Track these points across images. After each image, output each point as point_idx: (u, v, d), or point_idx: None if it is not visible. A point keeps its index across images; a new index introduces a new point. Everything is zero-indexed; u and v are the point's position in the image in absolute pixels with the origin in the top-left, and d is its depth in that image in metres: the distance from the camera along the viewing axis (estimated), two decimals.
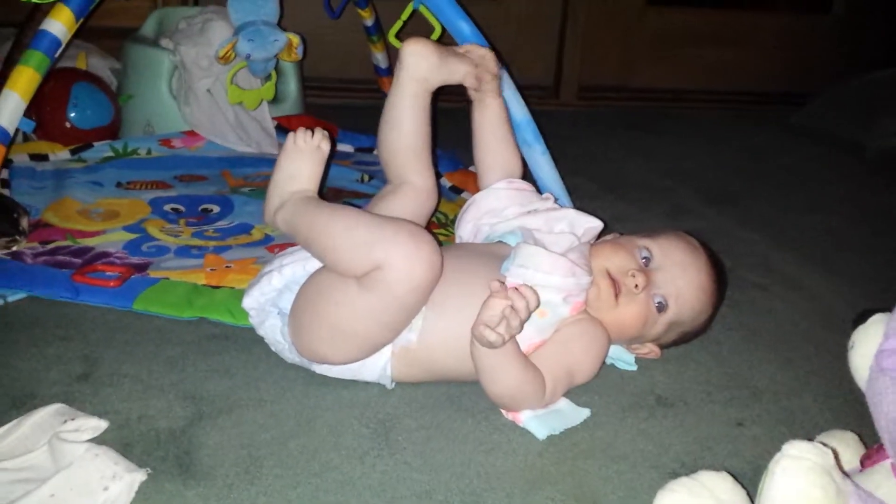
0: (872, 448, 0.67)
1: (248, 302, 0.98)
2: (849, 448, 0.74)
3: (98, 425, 0.85)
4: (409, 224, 0.93)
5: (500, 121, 1.14)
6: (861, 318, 0.65)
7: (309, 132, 1.00)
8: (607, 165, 1.97)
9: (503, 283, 0.87)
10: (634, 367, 1.05)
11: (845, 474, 0.61)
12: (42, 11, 1.47)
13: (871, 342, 0.61)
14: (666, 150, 2.15)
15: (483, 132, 1.14)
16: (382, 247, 0.87)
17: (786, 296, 1.30)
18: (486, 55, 1.11)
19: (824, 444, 0.62)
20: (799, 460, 0.57)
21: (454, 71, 1.07)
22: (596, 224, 1.05)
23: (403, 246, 0.87)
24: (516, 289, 0.85)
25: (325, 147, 1.01)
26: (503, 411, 0.93)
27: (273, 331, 0.97)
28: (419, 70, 1.04)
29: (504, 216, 1.07)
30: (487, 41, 1.21)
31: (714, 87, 2.62)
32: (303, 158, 1.00)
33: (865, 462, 0.66)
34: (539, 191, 1.18)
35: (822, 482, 0.56)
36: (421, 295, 0.89)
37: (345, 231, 0.90)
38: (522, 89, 1.26)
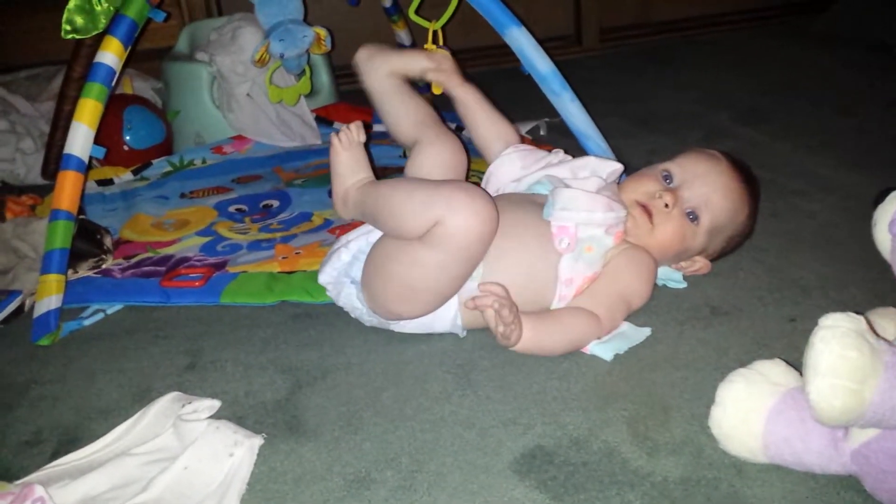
0: None
1: (323, 278, 1.07)
2: (892, 322, 0.80)
3: (213, 405, 0.94)
4: (464, 183, 1.01)
5: (477, 101, 1.21)
6: (881, 196, 0.70)
7: (345, 131, 1.09)
8: (637, 102, 1.99)
9: (474, 298, 0.94)
10: (684, 284, 1.11)
11: (884, 340, 0.67)
12: (86, 45, 1.57)
13: (890, 216, 0.67)
14: (693, 79, 2.16)
15: (469, 115, 1.21)
16: (440, 203, 0.93)
17: (824, 199, 1.34)
18: (442, 56, 1.21)
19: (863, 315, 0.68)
20: (834, 328, 0.63)
21: (410, 60, 1.21)
22: (617, 166, 1.11)
23: (459, 200, 0.93)
24: (489, 291, 0.93)
25: (362, 136, 1.10)
26: None
27: (350, 298, 1.06)
28: (374, 66, 1.19)
29: (526, 174, 1.13)
30: None
31: (732, 8, 2.60)
32: (349, 153, 1.09)
33: None
34: (576, 137, 1.24)
35: (856, 344, 0.62)
36: (481, 245, 0.95)
37: (405, 197, 0.98)
38: (544, 42, 1.29)
